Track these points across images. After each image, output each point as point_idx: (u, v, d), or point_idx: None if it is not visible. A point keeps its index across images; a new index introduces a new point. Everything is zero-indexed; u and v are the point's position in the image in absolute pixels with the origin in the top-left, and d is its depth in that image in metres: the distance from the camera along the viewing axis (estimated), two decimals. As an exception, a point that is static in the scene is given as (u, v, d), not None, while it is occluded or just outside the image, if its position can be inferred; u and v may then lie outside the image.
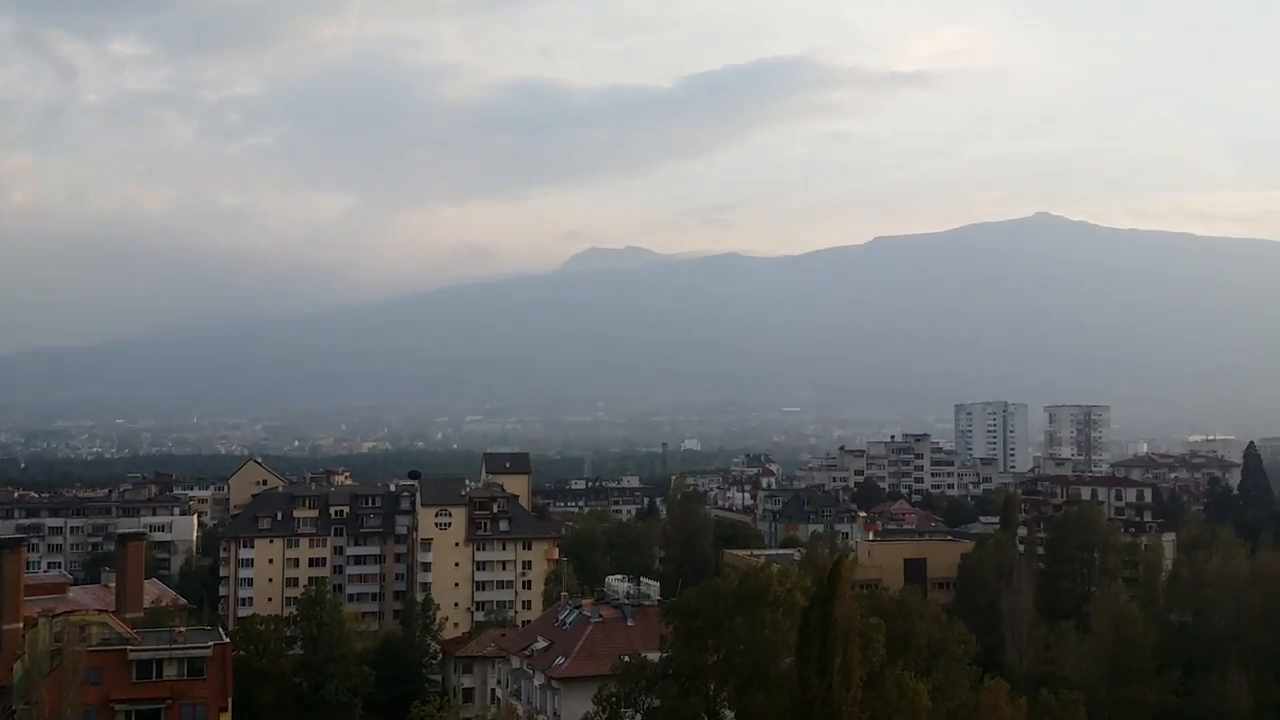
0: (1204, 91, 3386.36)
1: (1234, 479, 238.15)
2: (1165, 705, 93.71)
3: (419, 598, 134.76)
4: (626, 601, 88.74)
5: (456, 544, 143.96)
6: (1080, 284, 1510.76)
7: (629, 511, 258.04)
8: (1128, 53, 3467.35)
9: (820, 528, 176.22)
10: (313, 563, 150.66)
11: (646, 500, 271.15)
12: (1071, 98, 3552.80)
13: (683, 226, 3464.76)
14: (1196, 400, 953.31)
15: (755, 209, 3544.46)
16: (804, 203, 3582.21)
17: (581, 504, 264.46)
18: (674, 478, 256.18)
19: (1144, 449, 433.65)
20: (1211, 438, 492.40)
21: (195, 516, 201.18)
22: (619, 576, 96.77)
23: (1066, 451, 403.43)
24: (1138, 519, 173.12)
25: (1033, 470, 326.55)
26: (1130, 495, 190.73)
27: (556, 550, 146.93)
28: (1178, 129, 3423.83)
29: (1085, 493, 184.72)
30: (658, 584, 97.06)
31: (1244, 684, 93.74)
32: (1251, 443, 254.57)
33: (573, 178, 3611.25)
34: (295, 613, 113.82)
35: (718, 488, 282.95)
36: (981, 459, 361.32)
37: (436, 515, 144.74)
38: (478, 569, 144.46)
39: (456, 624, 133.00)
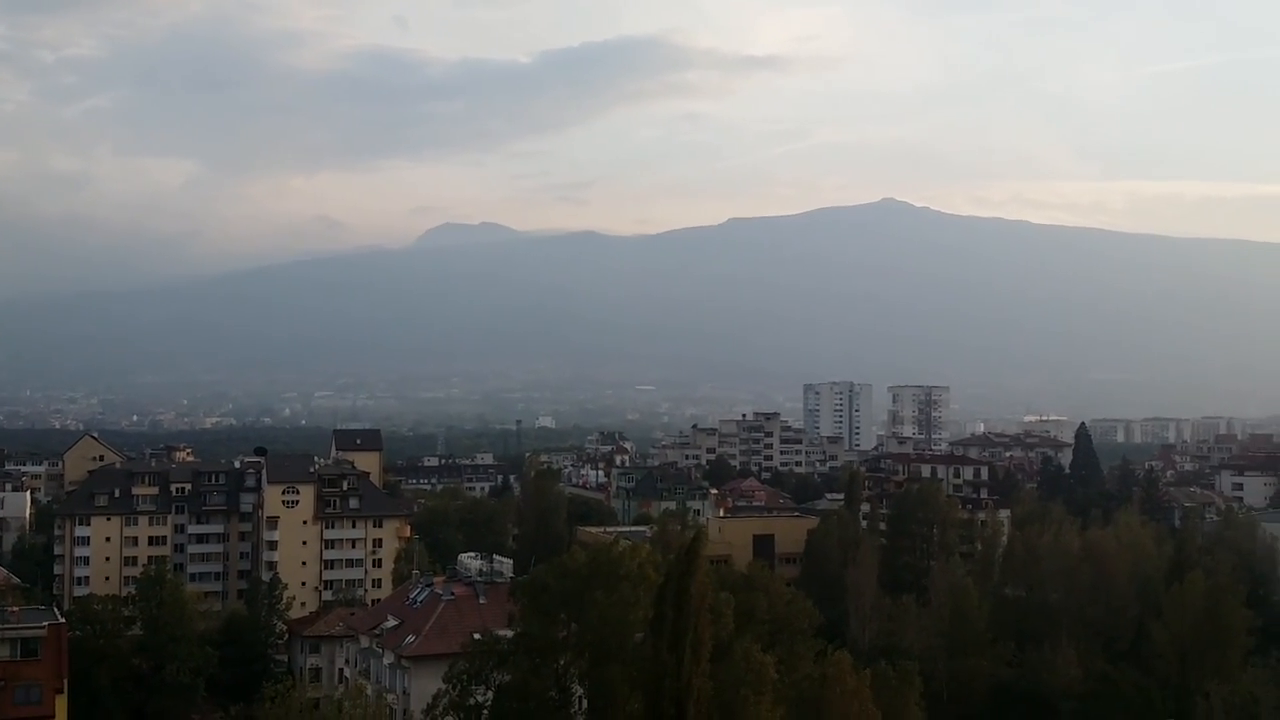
0: (1043, 84, 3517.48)
1: (1066, 458, 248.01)
2: (999, 676, 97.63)
3: (265, 577, 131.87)
4: (479, 579, 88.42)
5: (304, 522, 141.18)
6: (924, 268, 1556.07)
7: (483, 489, 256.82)
8: (973, 43, 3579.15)
9: (673, 505, 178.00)
10: (153, 541, 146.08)
11: (500, 478, 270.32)
12: (918, 86, 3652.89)
13: (539, 203, 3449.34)
14: (1032, 382, 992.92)
15: (612, 187, 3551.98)
16: (660, 182, 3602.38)
17: (434, 481, 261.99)
18: (528, 455, 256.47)
19: (981, 429, 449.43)
20: (1045, 418, 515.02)
21: (28, 493, 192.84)
22: (472, 554, 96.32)
23: (909, 430, 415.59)
24: (975, 496, 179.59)
25: (876, 448, 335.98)
26: (968, 473, 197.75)
27: (408, 528, 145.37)
28: (1018, 120, 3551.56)
29: (925, 471, 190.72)
30: (511, 561, 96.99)
31: (1073, 656, 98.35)
32: (1083, 423, 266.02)
33: (427, 151, 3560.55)
34: (135, 592, 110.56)
35: (572, 465, 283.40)
36: (828, 437, 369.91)
37: (283, 493, 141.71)
38: (326, 547, 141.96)
39: (304, 603, 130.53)
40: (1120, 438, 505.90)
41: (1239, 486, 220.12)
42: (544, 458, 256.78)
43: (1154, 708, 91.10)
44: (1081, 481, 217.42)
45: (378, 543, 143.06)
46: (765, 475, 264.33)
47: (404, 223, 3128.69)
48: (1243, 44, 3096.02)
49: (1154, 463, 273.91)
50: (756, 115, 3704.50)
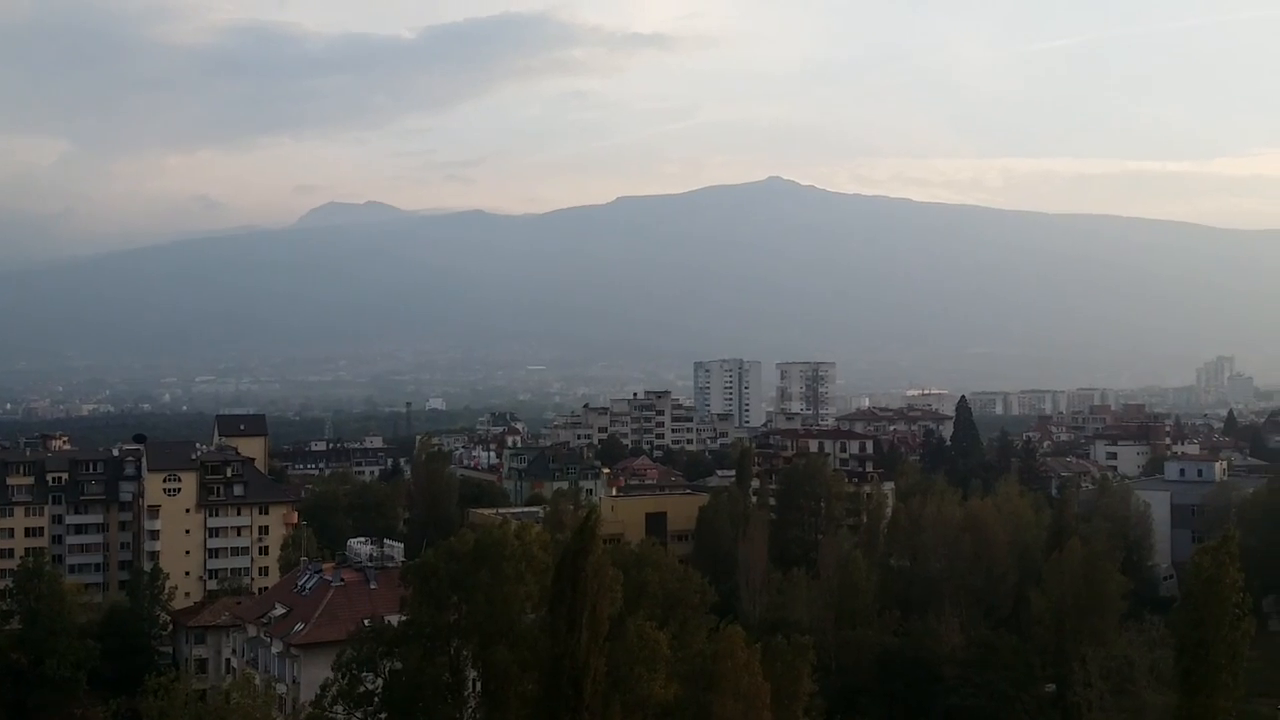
0: (922, 63, 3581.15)
1: (947, 431, 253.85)
2: (886, 645, 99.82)
3: (146, 567, 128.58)
4: (369, 564, 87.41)
5: (187, 510, 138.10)
6: (811, 246, 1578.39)
7: (372, 473, 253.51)
8: (853, 23, 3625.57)
9: (565, 485, 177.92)
10: (29, 533, 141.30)
11: (390, 461, 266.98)
12: (801, 65, 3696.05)
13: (426, 182, 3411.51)
14: (915, 357, 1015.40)
15: (500, 166, 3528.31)
16: (548, 160, 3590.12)
17: (322, 466, 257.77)
18: (419, 438, 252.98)
19: (866, 403, 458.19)
20: (927, 392, 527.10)
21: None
22: (362, 539, 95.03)
23: (796, 406, 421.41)
24: (861, 470, 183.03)
25: (766, 425, 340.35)
26: (854, 447, 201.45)
27: (295, 514, 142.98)
28: (898, 99, 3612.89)
29: (813, 446, 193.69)
30: (402, 546, 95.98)
31: (955, 624, 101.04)
32: (963, 397, 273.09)
33: (310, 128, 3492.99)
34: (11, 586, 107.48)
35: (463, 447, 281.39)
36: (719, 415, 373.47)
37: (164, 481, 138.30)
38: (210, 536, 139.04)
39: (188, 594, 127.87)
40: (999, 410, 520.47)
41: (1113, 456, 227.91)
42: (435, 440, 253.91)
43: (1033, 672, 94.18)
44: (962, 453, 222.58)
45: (264, 530, 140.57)
46: (657, 453, 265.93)
47: (286, 202, 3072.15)
48: (1111, 23, 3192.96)
49: (1031, 434, 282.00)
50: (643, 93, 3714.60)
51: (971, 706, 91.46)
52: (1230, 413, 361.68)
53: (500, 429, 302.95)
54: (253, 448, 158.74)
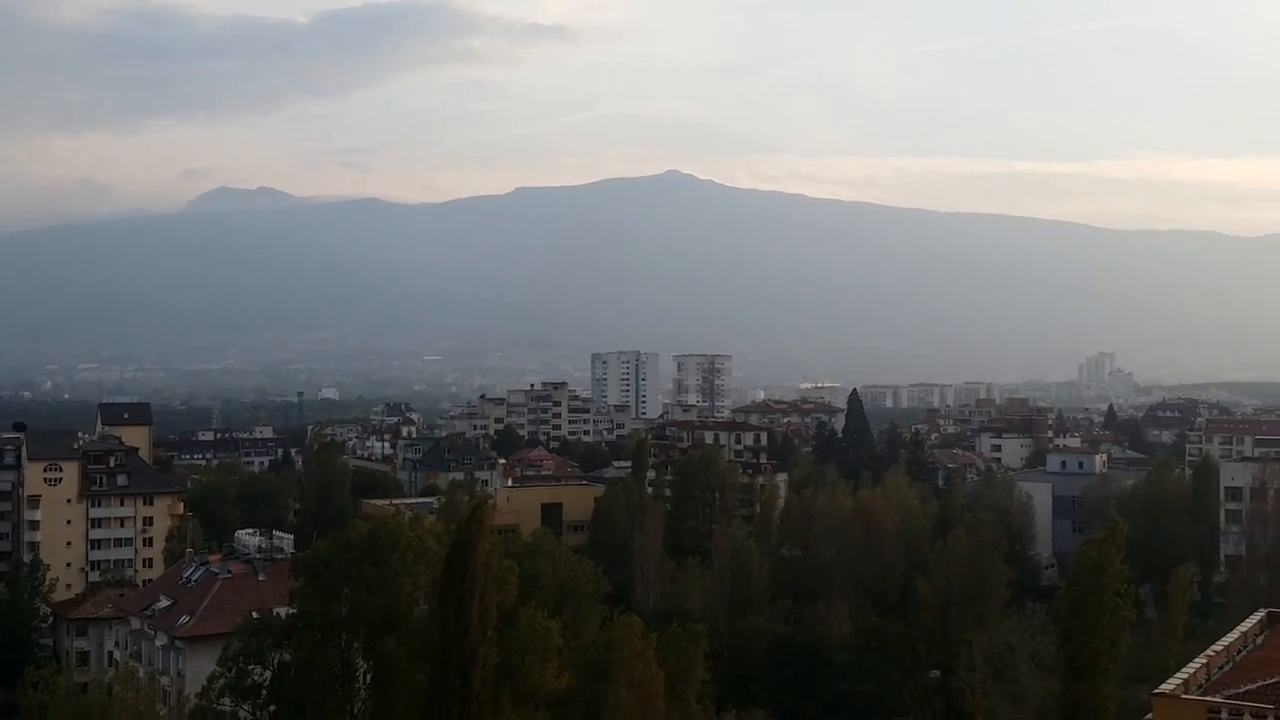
0: (817, 62, 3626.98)
1: (839, 423, 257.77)
2: (777, 633, 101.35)
3: (26, 558, 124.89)
4: (258, 556, 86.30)
5: (68, 501, 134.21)
6: (708, 240, 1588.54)
7: (262, 463, 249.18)
8: (750, 21, 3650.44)
9: (460, 476, 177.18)
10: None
11: (281, 451, 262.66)
12: (699, 61, 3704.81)
13: (320, 169, 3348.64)
14: (809, 350, 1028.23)
15: (396, 153, 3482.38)
16: (446, 149, 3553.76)
17: (210, 456, 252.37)
18: (311, 428, 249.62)
19: (761, 396, 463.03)
20: (820, 385, 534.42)
21: None
22: (250, 531, 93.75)
23: (693, 398, 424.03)
24: (755, 461, 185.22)
25: (662, 416, 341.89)
26: (748, 439, 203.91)
27: (181, 505, 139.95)
28: (794, 96, 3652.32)
29: (709, 437, 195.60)
30: (292, 537, 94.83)
31: (845, 611, 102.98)
32: (854, 390, 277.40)
33: (198, 112, 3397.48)
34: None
35: (357, 437, 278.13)
36: (616, 406, 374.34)
37: (45, 470, 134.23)
38: (93, 527, 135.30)
39: (69, 585, 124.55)
40: (890, 403, 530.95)
41: (997, 448, 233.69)
42: (328, 430, 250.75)
43: (919, 658, 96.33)
44: (854, 445, 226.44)
45: (148, 521, 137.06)
46: (554, 444, 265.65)
47: (174, 186, 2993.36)
48: (1000, 27, 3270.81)
49: (920, 426, 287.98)
50: (543, 84, 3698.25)
51: (860, 692, 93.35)
52: (1110, 407, 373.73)
53: (395, 419, 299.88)
54: (137, 437, 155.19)
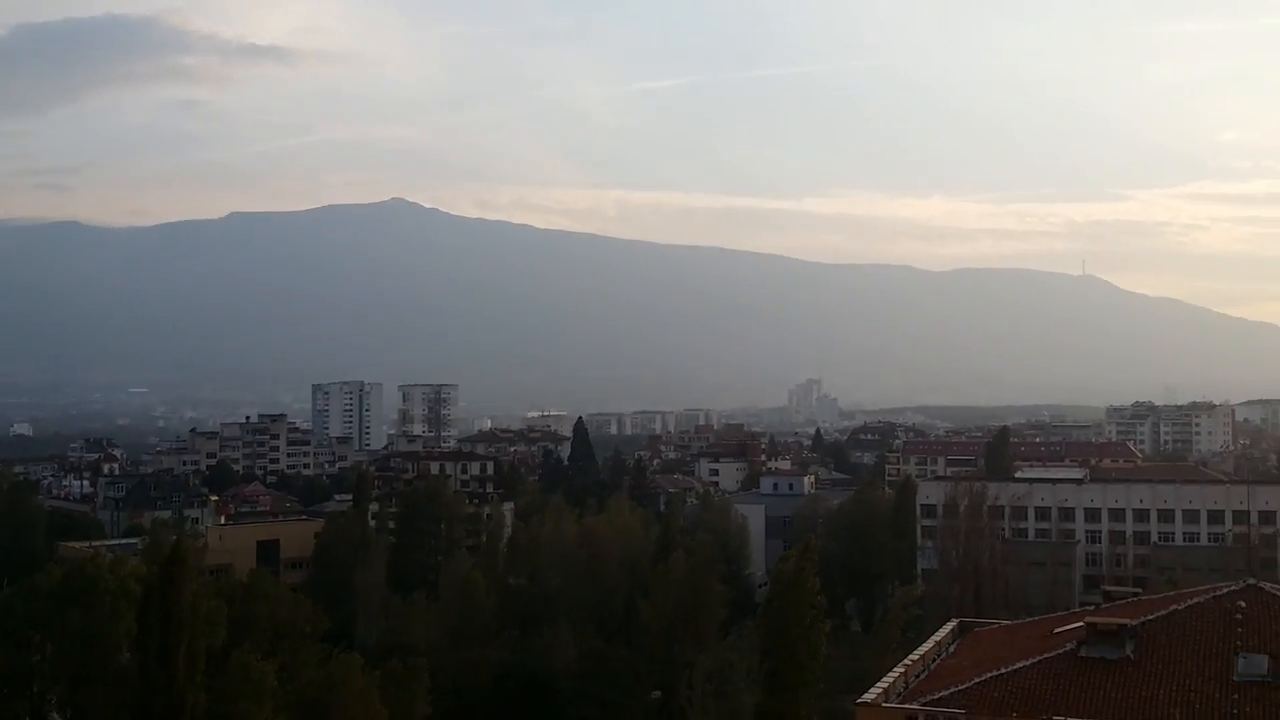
0: (541, 94, 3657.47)
1: (565, 451, 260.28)
2: (504, 663, 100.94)
3: None
4: (-64, 607, 78.82)
5: None
6: (434, 269, 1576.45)
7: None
8: (471, 51, 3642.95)
9: (168, 514, 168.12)
10: None
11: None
12: (421, 89, 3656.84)
13: (12, 189, 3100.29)
14: (535, 378, 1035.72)
15: (101, 175, 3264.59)
16: (156, 171, 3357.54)
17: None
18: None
19: (489, 425, 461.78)
20: (547, 413, 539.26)
21: None
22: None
23: (419, 429, 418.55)
24: (482, 490, 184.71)
25: (387, 448, 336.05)
26: (475, 468, 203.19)
27: None
28: (518, 127, 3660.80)
29: (435, 467, 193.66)
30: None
31: (569, 638, 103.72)
32: (580, 418, 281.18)
33: None
34: None
35: (53, 476, 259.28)
36: (338, 438, 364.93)
37: None
38: None
39: None
40: (614, 430, 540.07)
41: (715, 472, 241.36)
42: (19, 469, 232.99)
43: (641, 679, 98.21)
44: (579, 472, 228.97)
45: None
46: (271, 479, 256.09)
47: None
48: (716, 68, 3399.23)
49: (642, 453, 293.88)
50: (261, 106, 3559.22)
51: (585, 718, 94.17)
52: (818, 430, 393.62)
53: (95, 456, 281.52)
54: None
